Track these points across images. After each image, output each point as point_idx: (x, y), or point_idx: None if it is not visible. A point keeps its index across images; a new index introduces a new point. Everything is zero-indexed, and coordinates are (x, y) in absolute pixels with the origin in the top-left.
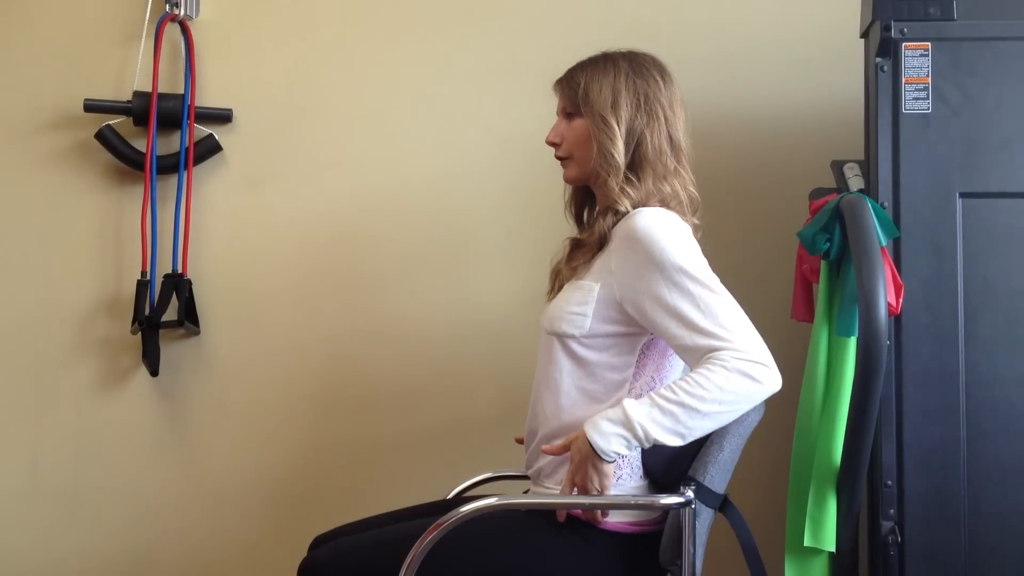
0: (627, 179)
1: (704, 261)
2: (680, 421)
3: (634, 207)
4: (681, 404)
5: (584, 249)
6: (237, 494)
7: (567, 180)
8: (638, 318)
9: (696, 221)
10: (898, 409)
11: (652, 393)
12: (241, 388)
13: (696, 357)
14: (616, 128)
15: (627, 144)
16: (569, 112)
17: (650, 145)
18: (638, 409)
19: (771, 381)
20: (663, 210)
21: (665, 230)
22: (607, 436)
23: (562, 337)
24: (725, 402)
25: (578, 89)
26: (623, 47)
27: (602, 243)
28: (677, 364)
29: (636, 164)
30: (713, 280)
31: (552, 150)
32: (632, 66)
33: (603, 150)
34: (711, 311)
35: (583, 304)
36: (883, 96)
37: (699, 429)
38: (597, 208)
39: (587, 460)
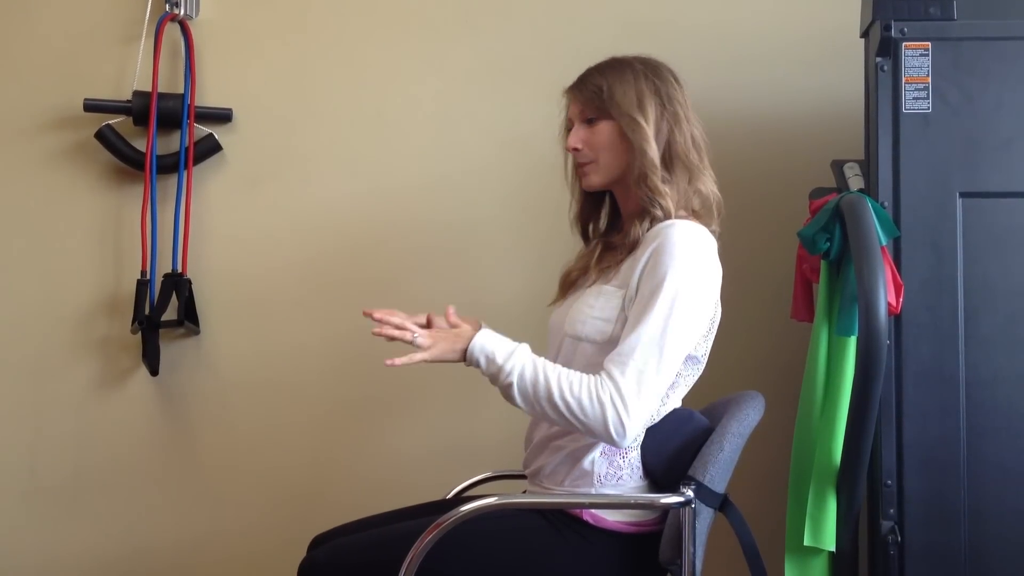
0: (663, 178)
1: (703, 309)
2: (534, 392)
3: (669, 211)
4: (547, 386)
5: (614, 252)
6: (237, 493)
7: (589, 187)
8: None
9: (717, 228)
10: (898, 409)
11: (545, 361)
12: (241, 387)
13: (610, 358)
14: (646, 128)
15: (657, 143)
16: (590, 117)
17: (679, 143)
18: (523, 355)
19: (618, 438)
20: (701, 231)
21: (695, 262)
22: (484, 349)
23: (584, 341)
24: (574, 416)
25: (601, 93)
26: (622, 50)
27: (632, 247)
28: (692, 373)
29: (668, 163)
30: (685, 333)
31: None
32: (647, 68)
33: (639, 149)
34: (651, 350)
35: (606, 310)
36: (883, 96)
37: (536, 410)
38: (624, 213)
39: (451, 349)
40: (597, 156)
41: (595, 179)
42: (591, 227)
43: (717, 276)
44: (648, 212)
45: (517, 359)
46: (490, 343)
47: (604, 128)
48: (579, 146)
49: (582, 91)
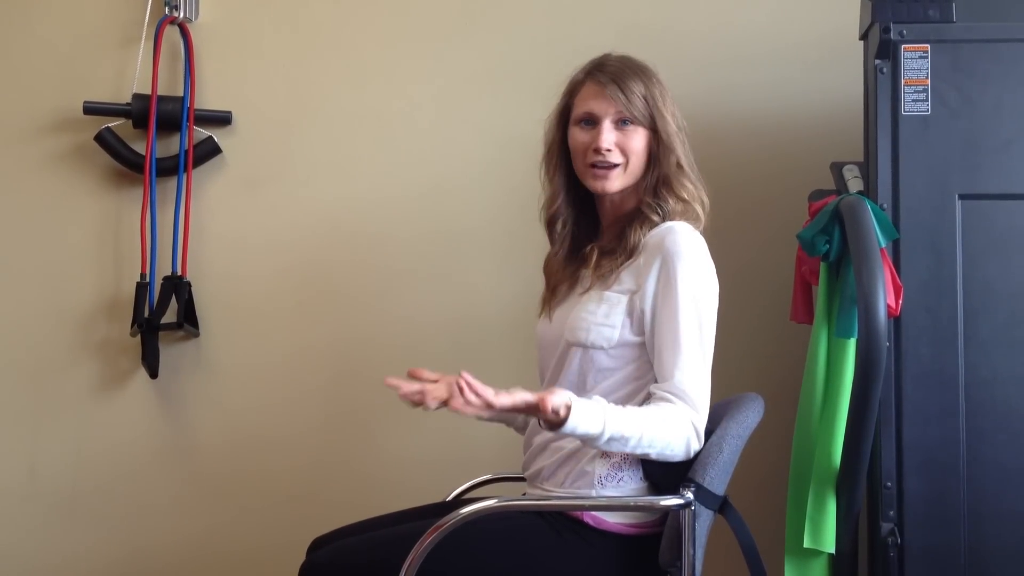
0: (682, 185)
1: (715, 308)
2: (621, 446)
3: (668, 214)
4: (638, 440)
5: (612, 257)
6: (236, 496)
7: (606, 190)
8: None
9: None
10: (897, 410)
11: (627, 423)
12: (240, 390)
13: (659, 381)
14: (676, 134)
15: (681, 150)
16: (627, 119)
17: (688, 150)
18: (611, 427)
19: (689, 456)
20: (697, 233)
21: (703, 267)
22: (572, 431)
23: (592, 349)
24: (656, 451)
25: (646, 100)
26: (618, 51)
27: (632, 252)
28: None
29: (685, 169)
30: (712, 331)
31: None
32: (655, 74)
33: (673, 156)
34: (698, 362)
35: (610, 316)
36: (882, 98)
37: (621, 451)
38: (611, 216)
39: (543, 414)
40: (628, 160)
41: (618, 183)
42: (559, 224)
43: (715, 272)
44: (646, 217)
45: (607, 433)
46: (580, 428)
47: (640, 134)
48: (612, 148)
49: (624, 92)
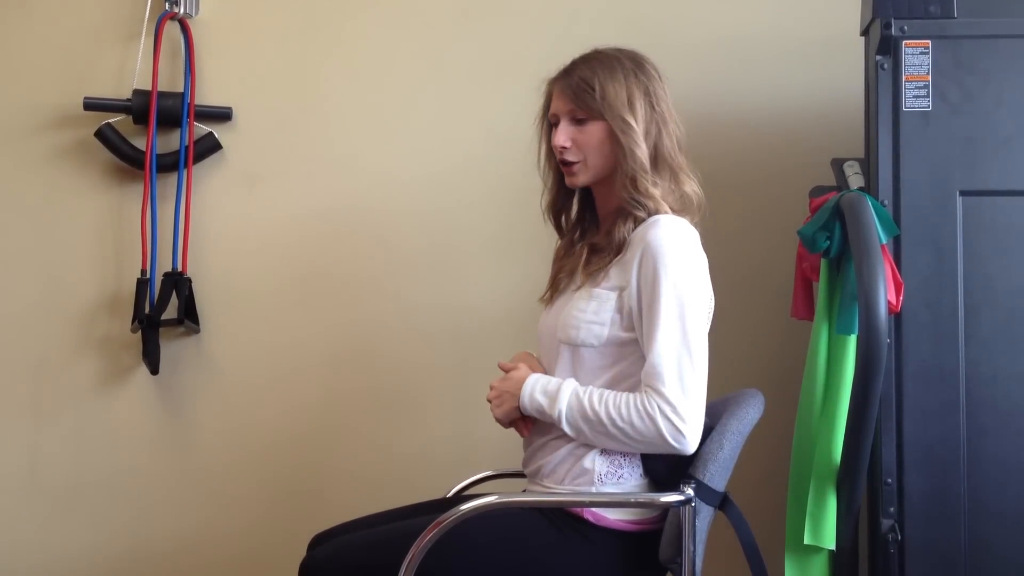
0: (653, 181)
1: (705, 298)
2: (589, 427)
3: (653, 211)
4: (598, 418)
5: (601, 255)
6: (237, 492)
7: (574, 186)
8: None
9: (698, 223)
10: (898, 407)
11: (591, 391)
12: (241, 386)
13: (646, 374)
14: (637, 130)
15: (647, 144)
16: (580, 117)
17: (666, 145)
18: (567, 395)
19: (680, 444)
20: (683, 225)
21: (686, 257)
22: (533, 400)
23: (582, 347)
24: (630, 439)
25: (594, 93)
26: (612, 44)
27: (619, 249)
28: None
29: (655, 165)
30: (702, 324)
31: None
32: (634, 64)
33: (629, 152)
34: (681, 351)
35: (600, 313)
36: (883, 94)
37: (597, 441)
38: (603, 211)
39: (511, 398)
40: (586, 156)
41: (581, 178)
42: (563, 217)
43: (705, 264)
44: (631, 213)
45: (563, 404)
46: (536, 396)
47: (594, 129)
48: (567, 145)
49: (573, 89)
